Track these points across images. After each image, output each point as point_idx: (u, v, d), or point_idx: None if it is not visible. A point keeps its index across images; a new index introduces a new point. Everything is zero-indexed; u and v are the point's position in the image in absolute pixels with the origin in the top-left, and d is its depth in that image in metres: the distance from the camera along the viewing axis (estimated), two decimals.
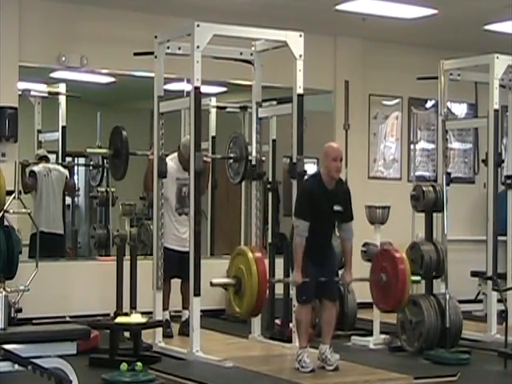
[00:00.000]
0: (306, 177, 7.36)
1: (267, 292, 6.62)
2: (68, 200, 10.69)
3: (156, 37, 7.62)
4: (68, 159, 10.48)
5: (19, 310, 7.70)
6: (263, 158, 8.12)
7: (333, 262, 6.98)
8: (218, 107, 10.94)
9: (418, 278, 7.49)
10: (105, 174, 10.79)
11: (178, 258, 7.89)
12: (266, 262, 6.99)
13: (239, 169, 8.10)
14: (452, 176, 8.55)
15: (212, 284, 6.63)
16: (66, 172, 10.07)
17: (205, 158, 7.67)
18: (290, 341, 7.51)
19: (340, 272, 7.09)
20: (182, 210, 8.12)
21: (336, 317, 6.90)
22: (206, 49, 7.05)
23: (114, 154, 8.04)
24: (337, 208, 6.70)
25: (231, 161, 8.21)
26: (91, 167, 11.04)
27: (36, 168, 9.74)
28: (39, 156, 9.96)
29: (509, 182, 8.47)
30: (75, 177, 11.44)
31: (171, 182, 8.03)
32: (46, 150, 10.35)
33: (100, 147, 10.40)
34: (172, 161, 8.07)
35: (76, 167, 11.43)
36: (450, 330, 7.46)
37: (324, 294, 6.77)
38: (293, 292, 7.38)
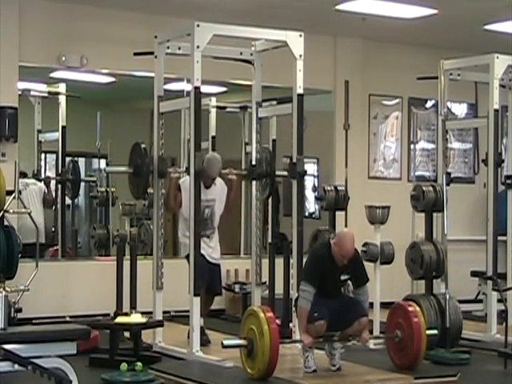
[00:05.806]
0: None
1: (279, 352, 6.30)
2: (68, 200, 10.67)
3: (156, 37, 7.63)
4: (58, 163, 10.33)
5: (19, 310, 7.70)
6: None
7: (346, 295, 6.92)
8: (218, 107, 10.94)
9: (435, 331, 7.12)
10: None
11: (208, 267, 7.69)
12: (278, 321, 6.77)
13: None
14: (452, 176, 8.54)
15: (224, 346, 6.42)
16: (43, 186, 9.96)
17: (230, 176, 7.75)
18: None
19: None
20: (203, 233, 7.56)
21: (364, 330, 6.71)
22: (206, 49, 7.05)
23: (134, 172, 7.51)
24: (344, 277, 6.67)
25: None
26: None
27: None
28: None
29: (509, 181, 8.47)
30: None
31: None
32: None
33: (99, 150, 10.39)
34: None
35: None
36: (449, 329, 7.46)
37: (351, 316, 6.59)
38: (293, 292, 7.38)
